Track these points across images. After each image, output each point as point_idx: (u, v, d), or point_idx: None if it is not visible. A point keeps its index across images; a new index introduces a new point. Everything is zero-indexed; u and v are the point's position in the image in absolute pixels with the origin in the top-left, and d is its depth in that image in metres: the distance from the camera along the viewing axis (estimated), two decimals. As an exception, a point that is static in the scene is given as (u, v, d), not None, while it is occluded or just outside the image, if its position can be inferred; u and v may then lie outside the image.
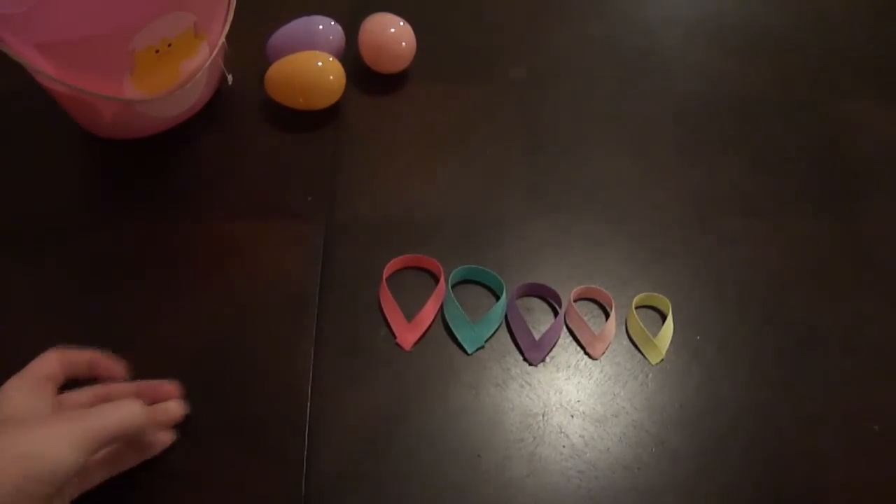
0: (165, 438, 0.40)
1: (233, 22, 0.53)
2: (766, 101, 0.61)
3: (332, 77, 0.54)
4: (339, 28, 0.58)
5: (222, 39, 0.53)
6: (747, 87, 0.62)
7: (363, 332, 0.45)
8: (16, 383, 0.36)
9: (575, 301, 0.47)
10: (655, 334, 0.46)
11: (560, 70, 0.62)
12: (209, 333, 0.45)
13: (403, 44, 0.58)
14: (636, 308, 0.47)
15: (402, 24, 0.58)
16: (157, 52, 0.47)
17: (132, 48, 0.45)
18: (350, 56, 0.60)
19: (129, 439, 0.37)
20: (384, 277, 0.46)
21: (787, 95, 0.62)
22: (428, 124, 0.57)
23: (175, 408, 0.40)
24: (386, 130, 0.57)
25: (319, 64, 0.54)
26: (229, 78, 0.56)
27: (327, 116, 0.57)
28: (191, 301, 0.46)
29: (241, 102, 0.58)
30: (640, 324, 0.45)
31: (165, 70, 0.49)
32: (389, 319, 0.45)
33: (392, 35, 0.57)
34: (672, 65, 0.64)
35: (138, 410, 0.35)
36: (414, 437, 0.41)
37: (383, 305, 0.46)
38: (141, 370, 0.43)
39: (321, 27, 0.58)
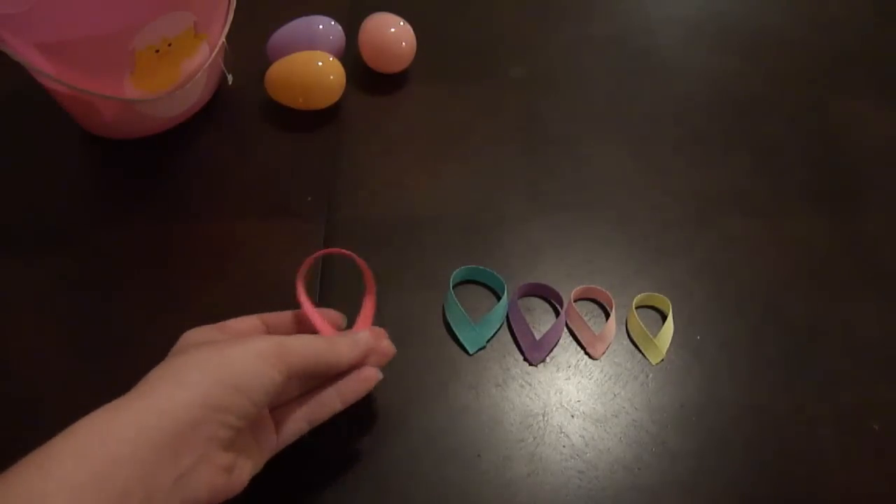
0: (371, 374, 0.37)
1: (233, 22, 0.53)
2: (766, 101, 0.61)
3: (332, 77, 0.54)
4: (339, 28, 0.58)
5: (222, 39, 0.53)
6: (748, 86, 0.62)
7: (363, 332, 0.45)
8: (198, 328, 0.36)
9: (575, 301, 0.47)
10: (656, 334, 0.46)
11: (560, 70, 0.62)
12: (209, 333, 0.45)
13: (403, 44, 0.58)
14: (636, 308, 0.47)
15: (402, 24, 0.58)
16: (157, 51, 0.47)
17: (132, 48, 0.45)
18: (350, 56, 0.60)
19: (330, 368, 0.35)
20: (301, 279, 0.40)
21: (788, 95, 0.62)
22: (428, 124, 0.57)
23: (388, 345, 0.38)
24: (386, 130, 0.57)
25: (319, 64, 0.54)
26: (229, 78, 0.56)
27: (327, 116, 0.57)
28: (190, 301, 0.46)
29: (241, 102, 0.58)
30: (641, 324, 0.45)
31: (165, 70, 0.49)
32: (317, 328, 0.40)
33: (392, 35, 0.57)
34: (672, 64, 0.64)
35: (345, 339, 0.35)
36: (414, 437, 0.41)
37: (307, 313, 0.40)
38: (140, 369, 0.43)
39: (321, 27, 0.58)
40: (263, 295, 0.47)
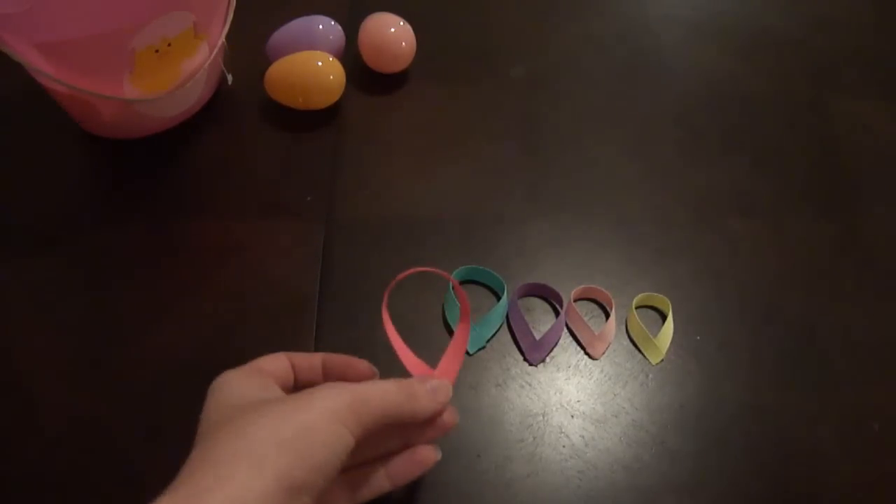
0: (429, 456, 0.34)
1: (233, 22, 0.53)
2: (766, 101, 0.61)
3: (332, 77, 0.54)
4: (339, 28, 0.58)
5: (222, 39, 0.53)
6: (748, 86, 0.62)
7: (363, 332, 0.45)
8: (233, 373, 0.32)
9: (575, 301, 0.47)
10: (655, 334, 0.46)
11: (560, 70, 0.62)
12: (209, 333, 0.45)
13: (403, 44, 0.58)
14: (636, 308, 0.47)
15: (402, 24, 0.58)
16: (156, 51, 0.47)
17: (132, 48, 0.45)
18: (350, 56, 0.60)
19: (403, 422, 0.32)
20: (385, 302, 0.39)
21: (788, 95, 0.62)
22: (428, 124, 0.57)
23: (451, 414, 0.35)
24: (386, 130, 0.57)
25: (319, 64, 0.54)
26: (229, 78, 0.56)
27: (327, 116, 0.57)
28: (190, 301, 0.46)
29: (240, 102, 0.58)
30: (641, 324, 0.45)
31: (165, 70, 0.49)
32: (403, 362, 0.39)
33: (392, 35, 0.57)
34: (672, 64, 0.63)
35: (424, 388, 0.32)
36: (414, 437, 0.41)
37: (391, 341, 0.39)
38: (140, 370, 0.43)
39: (321, 27, 0.57)
40: (264, 295, 0.47)
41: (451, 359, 0.38)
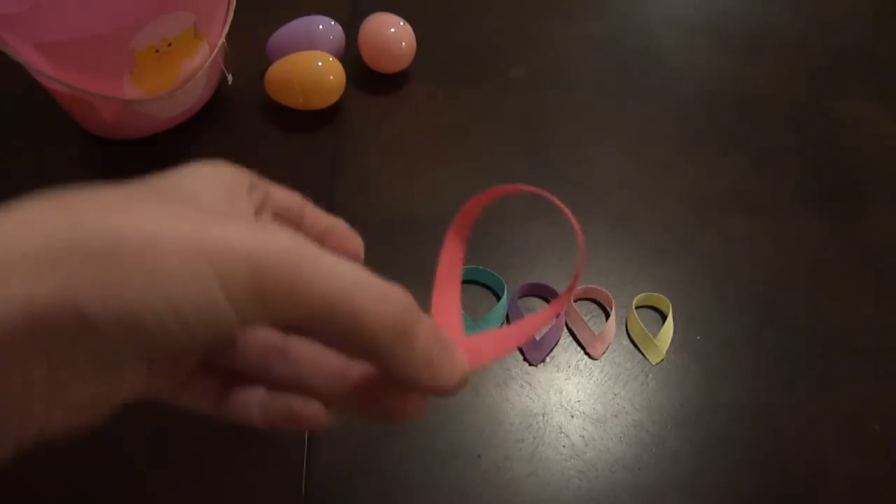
0: (306, 411, 0.21)
1: (233, 22, 0.52)
2: (766, 101, 0.61)
3: (332, 77, 0.54)
4: (339, 28, 0.58)
5: (222, 39, 0.53)
6: (747, 86, 0.62)
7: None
8: (214, 168, 0.22)
9: (575, 301, 0.47)
10: (655, 334, 0.46)
11: (560, 70, 0.62)
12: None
13: (403, 44, 0.58)
14: (636, 308, 0.47)
15: (402, 24, 0.58)
16: (156, 51, 0.47)
17: (132, 48, 0.45)
18: (350, 56, 0.60)
19: (357, 351, 0.18)
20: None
21: (788, 95, 0.62)
22: (428, 124, 0.57)
23: (417, 407, 0.21)
24: (386, 130, 0.57)
25: (319, 64, 0.54)
26: (229, 78, 0.56)
27: (327, 116, 0.57)
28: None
29: (241, 102, 0.58)
30: (641, 324, 0.45)
31: (165, 70, 0.49)
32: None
33: (392, 35, 0.57)
34: (672, 64, 0.63)
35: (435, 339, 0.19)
36: (414, 437, 0.41)
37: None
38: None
39: (321, 27, 0.57)
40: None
41: (491, 339, 0.24)
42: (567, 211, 0.26)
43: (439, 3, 0.67)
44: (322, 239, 0.26)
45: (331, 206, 0.51)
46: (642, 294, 0.47)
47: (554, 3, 0.68)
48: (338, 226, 0.26)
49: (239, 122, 0.56)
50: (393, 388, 0.20)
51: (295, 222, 0.26)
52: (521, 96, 0.60)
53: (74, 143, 0.54)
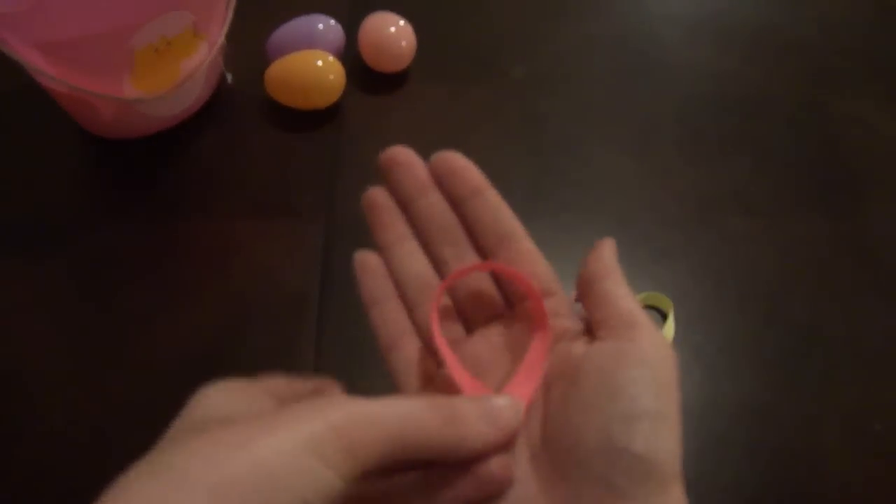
0: (499, 474, 0.21)
1: (232, 21, 0.52)
2: (766, 101, 0.61)
3: (332, 77, 0.54)
4: (339, 28, 0.58)
5: (222, 39, 0.53)
6: (748, 86, 0.62)
7: (363, 332, 0.45)
8: (220, 383, 0.23)
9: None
10: (656, 334, 0.46)
11: (560, 70, 0.62)
12: (209, 333, 0.45)
13: (403, 43, 0.58)
14: (636, 308, 0.47)
15: (402, 23, 0.58)
16: (156, 51, 0.47)
17: (132, 47, 0.45)
18: (350, 56, 0.60)
19: (445, 455, 0.20)
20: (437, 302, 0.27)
21: (788, 95, 0.62)
22: (428, 124, 0.57)
23: (503, 467, 0.21)
24: (386, 130, 0.57)
25: (319, 63, 0.54)
26: (229, 77, 0.56)
27: (327, 116, 0.56)
28: (190, 301, 0.46)
29: (240, 102, 0.57)
30: (641, 324, 0.45)
31: (165, 69, 0.49)
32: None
33: (392, 35, 0.57)
34: (673, 64, 0.63)
35: (475, 406, 0.21)
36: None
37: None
38: (140, 370, 0.43)
39: (321, 27, 0.57)
40: (264, 295, 0.46)
41: (525, 376, 0.25)
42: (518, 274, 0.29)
43: (439, 3, 0.67)
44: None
45: (331, 206, 0.51)
46: (643, 294, 0.47)
47: (554, 3, 0.68)
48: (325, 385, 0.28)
49: (239, 122, 0.56)
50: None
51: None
52: (522, 96, 0.60)
53: (74, 143, 0.54)
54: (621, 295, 0.26)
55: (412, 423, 0.20)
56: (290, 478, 0.17)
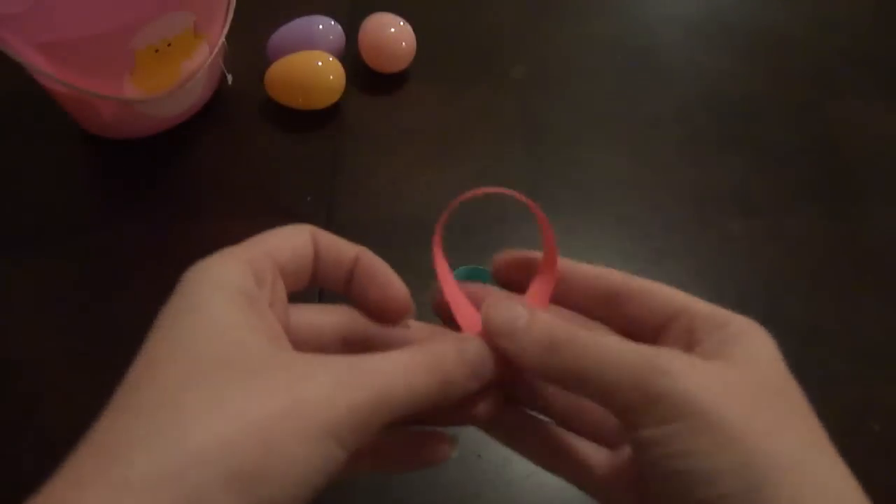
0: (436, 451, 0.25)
1: (233, 22, 0.53)
2: (766, 101, 0.61)
3: (332, 77, 0.54)
4: (339, 28, 0.58)
5: (222, 39, 0.53)
6: (748, 86, 0.62)
7: (363, 332, 0.45)
8: (216, 269, 0.23)
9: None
10: (655, 334, 0.46)
11: (560, 70, 0.62)
12: (209, 333, 0.45)
13: (403, 44, 0.58)
14: (636, 308, 0.47)
15: (402, 24, 0.58)
16: (157, 51, 0.47)
17: (132, 48, 0.45)
18: (350, 56, 0.60)
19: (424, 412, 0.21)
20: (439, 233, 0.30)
21: (788, 95, 0.62)
22: (428, 124, 0.57)
23: (489, 405, 0.24)
24: (386, 130, 0.57)
25: (319, 64, 0.54)
26: (229, 78, 0.56)
27: (327, 116, 0.57)
28: (191, 301, 0.46)
29: (241, 102, 0.58)
30: (641, 324, 0.45)
31: (165, 69, 0.49)
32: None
33: (392, 35, 0.57)
34: (672, 64, 0.63)
35: (453, 353, 0.22)
36: (414, 437, 0.41)
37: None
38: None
39: (321, 27, 0.58)
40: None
41: (542, 284, 0.26)
42: (520, 196, 0.28)
43: (439, 3, 0.67)
44: (352, 276, 0.27)
45: (331, 206, 0.51)
46: (642, 294, 0.47)
47: (554, 3, 0.68)
48: (364, 254, 0.27)
49: (239, 122, 0.56)
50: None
51: (311, 270, 0.26)
52: (521, 96, 0.60)
53: (74, 143, 0.54)
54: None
55: (414, 391, 0.20)
56: (298, 457, 0.18)
